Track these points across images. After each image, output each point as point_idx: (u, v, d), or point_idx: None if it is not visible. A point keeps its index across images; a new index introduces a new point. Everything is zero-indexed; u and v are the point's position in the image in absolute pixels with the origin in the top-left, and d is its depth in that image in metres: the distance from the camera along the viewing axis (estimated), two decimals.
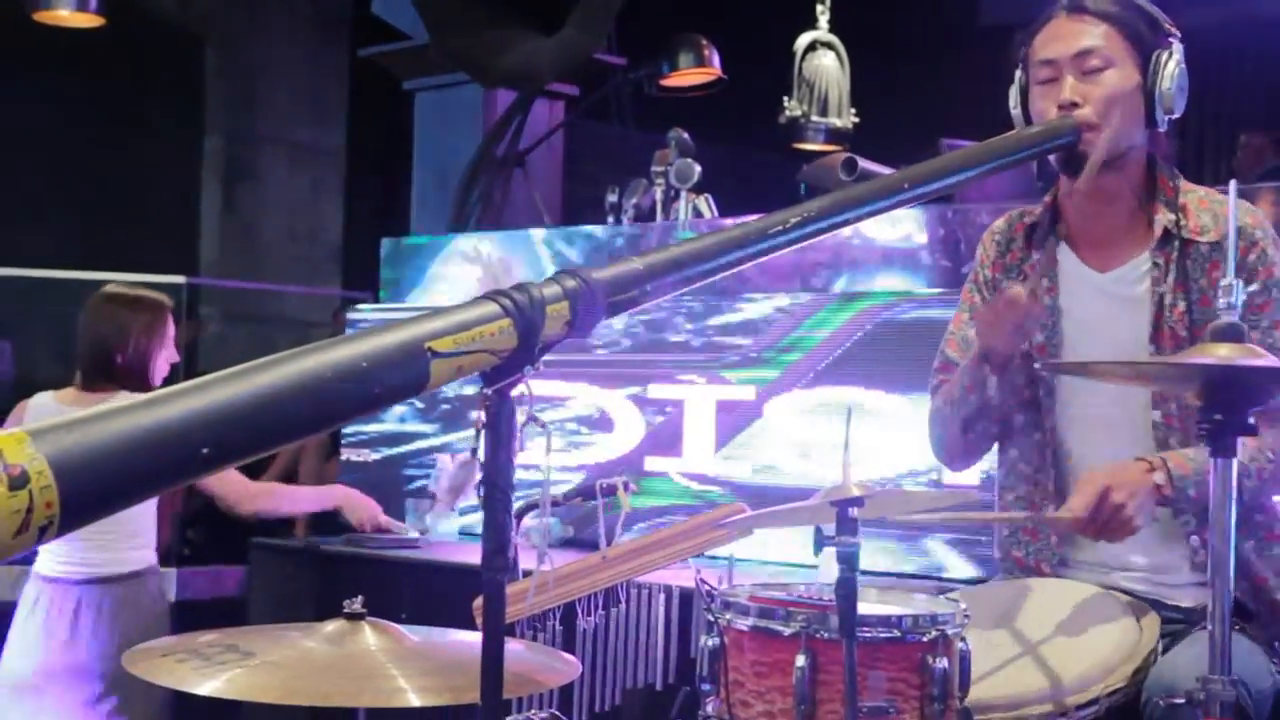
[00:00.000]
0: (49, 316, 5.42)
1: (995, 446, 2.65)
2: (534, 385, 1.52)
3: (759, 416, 4.21)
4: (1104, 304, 2.54)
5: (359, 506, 4.21)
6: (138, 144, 7.61)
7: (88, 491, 1.16)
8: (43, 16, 6.23)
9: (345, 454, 5.42)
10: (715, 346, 4.33)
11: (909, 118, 6.06)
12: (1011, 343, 2.45)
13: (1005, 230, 2.67)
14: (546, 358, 1.54)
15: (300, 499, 4.48)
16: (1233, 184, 2.09)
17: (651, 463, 4.43)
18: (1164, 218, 2.49)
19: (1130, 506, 2.29)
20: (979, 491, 3.41)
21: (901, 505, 2.66)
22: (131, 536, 3.80)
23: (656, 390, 4.45)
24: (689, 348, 4.39)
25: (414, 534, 4.65)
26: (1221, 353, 1.93)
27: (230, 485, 3.94)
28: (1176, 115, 2.50)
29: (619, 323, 4.46)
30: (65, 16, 6.23)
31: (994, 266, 2.65)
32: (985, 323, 2.46)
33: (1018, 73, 2.58)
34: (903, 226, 4.19)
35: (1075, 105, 2.43)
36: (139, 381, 3.79)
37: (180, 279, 6.43)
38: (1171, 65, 2.46)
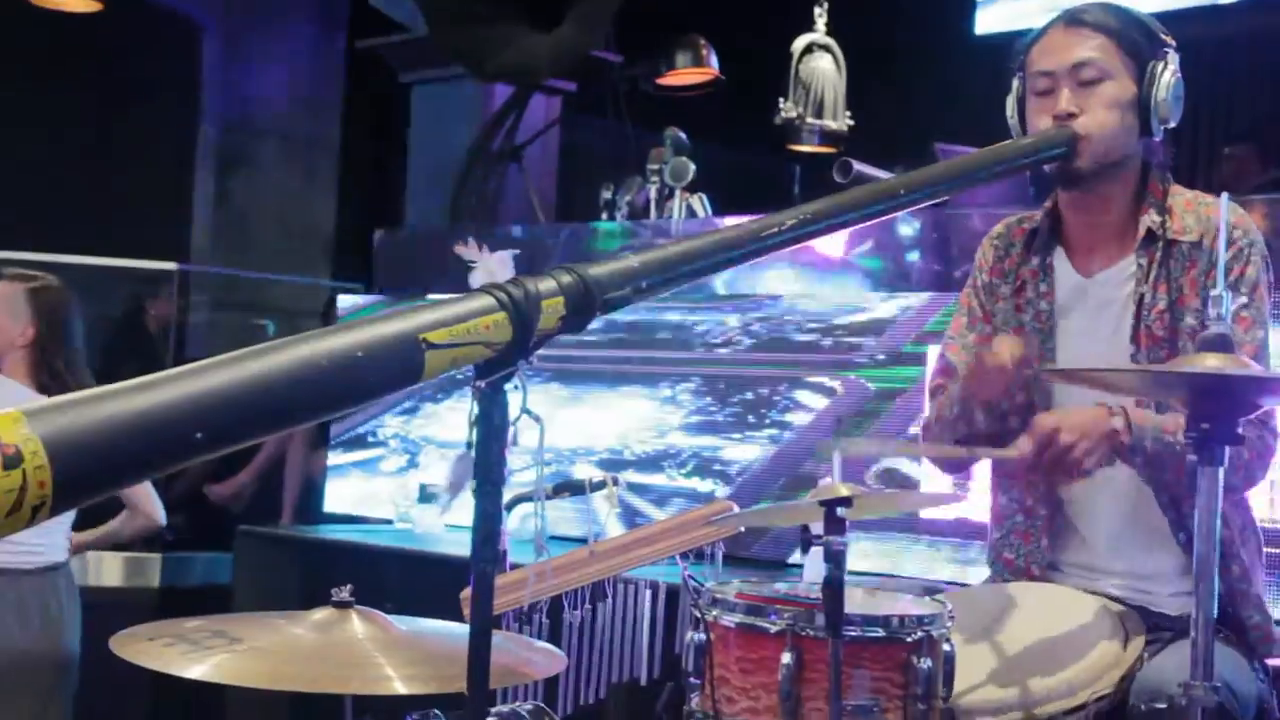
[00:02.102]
0: None
1: None
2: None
3: None
4: (1090, 308, 2.56)
5: None
6: (132, 130, 7.59)
7: (81, 472, 1.16)
8: (40, 0, 6.21)
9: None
10: None
11: (904, 121, 6.07)
12: (999, 395, 2.47)
13: (1004, 235, 2.69)
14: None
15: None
16: (1224, 196, 2.10)
17: None
18: (1149, 219, 2.51)
19: (1080, 448, 2.28)
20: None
21: (890, 504, 2.68)
22: (56, 523, 3.75)
23: None
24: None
25: None
26: (1210, 363, 1.94)
27: (150, 512, 3.94)
28: (1173, 124, 2.52)
29: None
30: (63, 0, 6.22)
31: (992, 271, 2.67)
32: (972, 376, 2.48)
33: (1015, 82, 2.59)
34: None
35: (1072, 116, 2.45)
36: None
37: (171, 265, 6.44)
38: (1167, 76, 2.47)
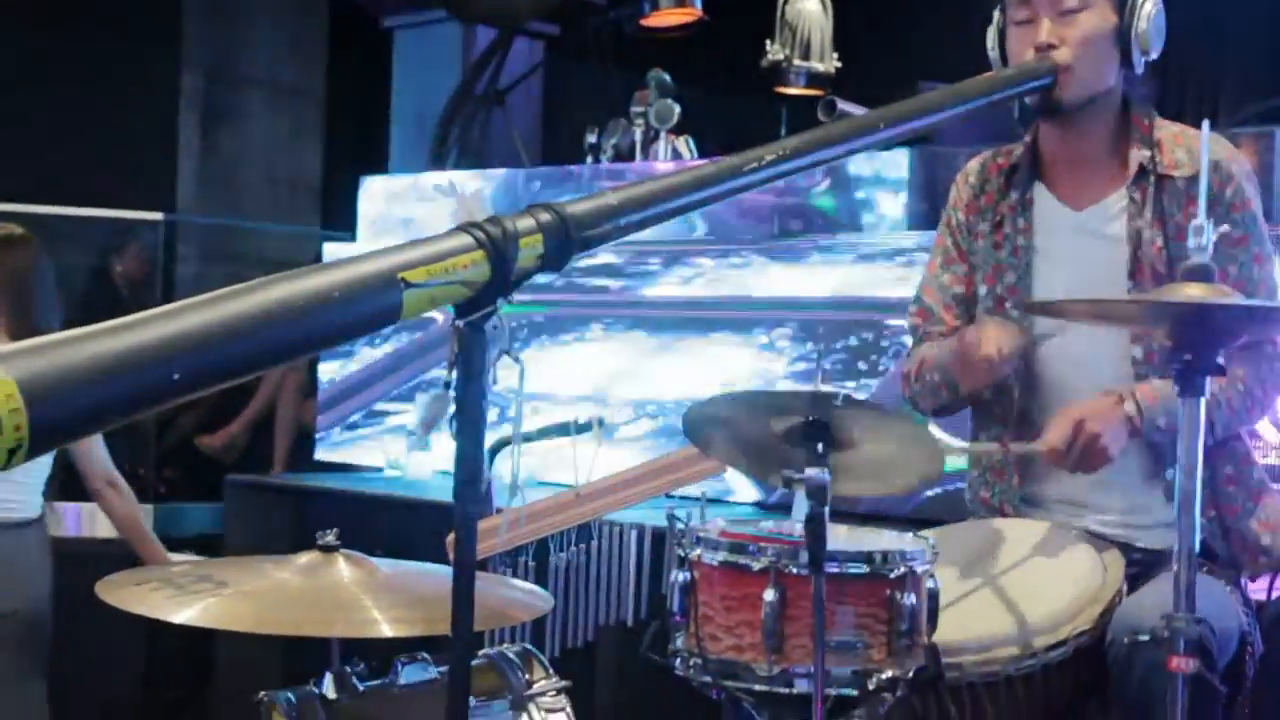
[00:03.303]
0: None
1: None
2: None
3: None
4: (1079, 241, 2.55)
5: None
6: (115, 80, 7.54)
7: (57, 415, 1.16)
8: None
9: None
10: None
11: (891, 63, 6.03)
12: (985, 384, 2.50)
13: (978, 172, 2.68)
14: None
15: (130, 525, 3.93)
16: (1205, 124, 2.09)
17: None
18: (1139, 153, 2.50)
19: (1105, 437, 2.33)
20: None
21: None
22: (31, 479, 3.73)
23: None
24: None
25: None
26: (1191, 293, 1.94)
27: (93, 458, 3.79)
28: (1154, 56, 2.51)
29: None
30: None
31: (967, 209, 2.66)
32: (958, 364, 2.50)
33: (995, 14, 2.58)
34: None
35: (1052, 47, 2.44)
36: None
37: (158, 216, 6.41)
38: (1148, 6, 2.46)
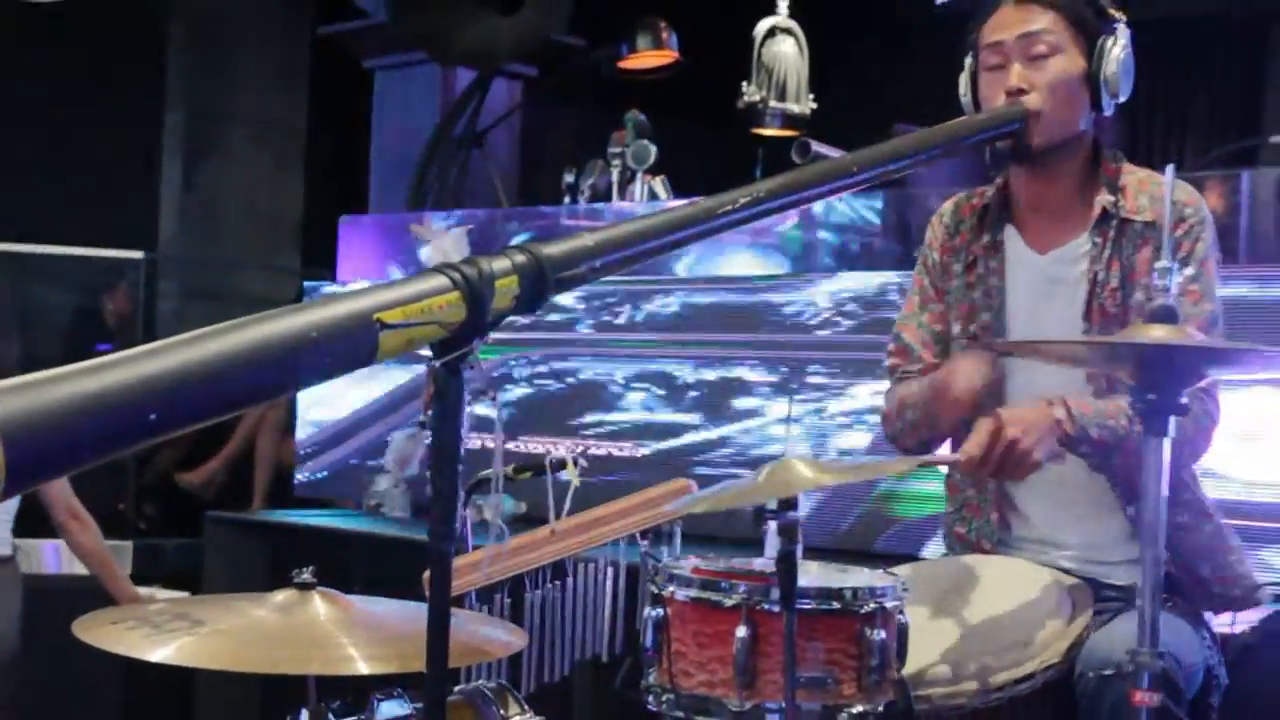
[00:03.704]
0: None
1: None
2: None
3: None
4: (1043, 285, 2.58)
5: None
6: (98, 117, 7.56)
7: (34, 455, 1.16)
8: None
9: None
10: None
11: (867, 103, 6.09)
12: (965, 414, 2.49)
13: (952, 213, 2.72)
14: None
15: (95, 559, 3.96)
16: (1169, 168, 2.13)
17: None
18: (1103, 199, 2.54)
19: (1026, 441, 2.30)
20: None
21: (842, 474, 2.70)
22: (5, 515, 3.72)
23: None
24: None
25: None
26: (1155, 334, 1.97)
27: (55, 490, 3.79)
28: (1122, 99, 2.55)
29: None
30: None
31: (942, 249, 2.70)
32: (936, 403, 2.52)
33: (967, 60, 2.62)
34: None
35: (1022, 91, 2.47)
36: None
37: (139, 254, 6.42)
38: (1117, 50, 2.50)
